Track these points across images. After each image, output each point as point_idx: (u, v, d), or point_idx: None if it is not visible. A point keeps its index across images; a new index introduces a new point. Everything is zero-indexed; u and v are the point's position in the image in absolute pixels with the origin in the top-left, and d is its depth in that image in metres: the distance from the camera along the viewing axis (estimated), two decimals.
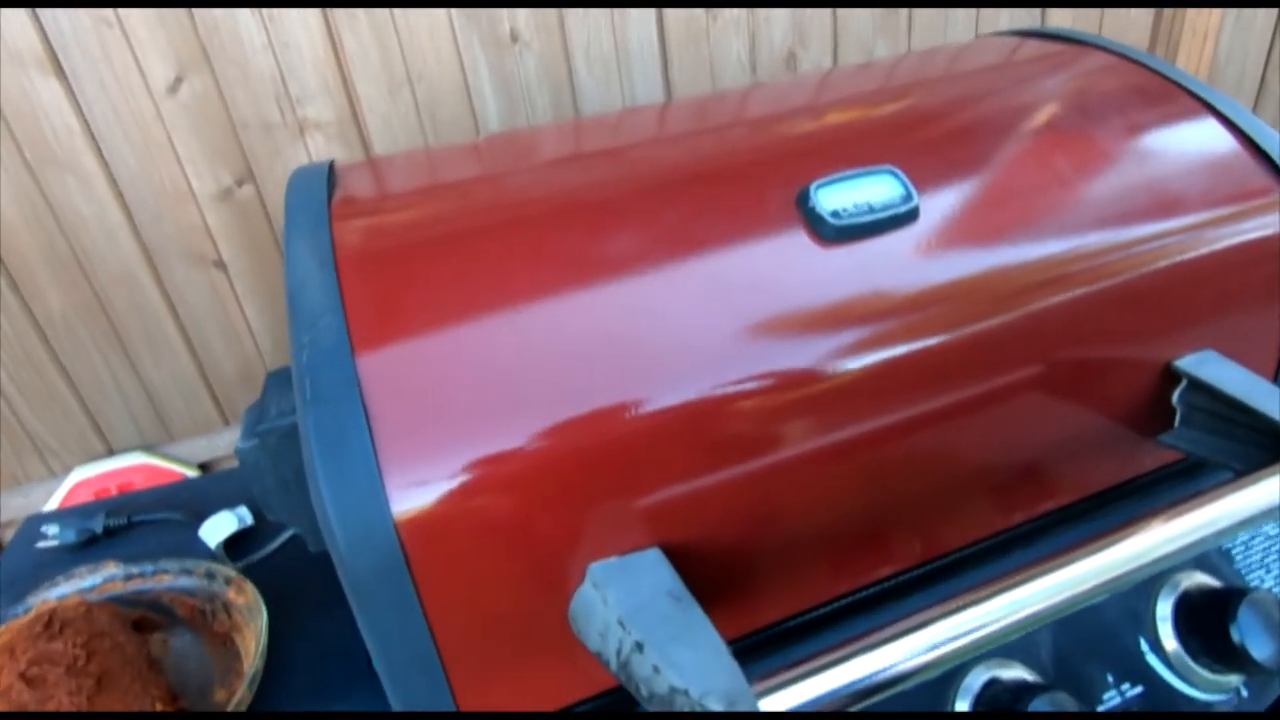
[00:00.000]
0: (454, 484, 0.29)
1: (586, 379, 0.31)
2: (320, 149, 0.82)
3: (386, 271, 0.34)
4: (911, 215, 0.37)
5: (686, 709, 0.26)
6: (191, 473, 0.88)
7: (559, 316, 0.33)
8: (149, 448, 0.89)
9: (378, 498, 0.28)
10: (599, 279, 0.34)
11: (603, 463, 0.31)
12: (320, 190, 0.39)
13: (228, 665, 0.40)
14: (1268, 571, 0.44)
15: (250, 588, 0.41)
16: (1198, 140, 0.44)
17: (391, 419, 0.29)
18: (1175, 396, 0.41)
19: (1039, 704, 0.35)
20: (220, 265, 0.84)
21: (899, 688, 0.28)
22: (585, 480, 0.31)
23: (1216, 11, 1.12)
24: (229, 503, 0.54)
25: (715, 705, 0.25)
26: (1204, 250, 0.40)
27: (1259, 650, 0.37)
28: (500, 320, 0.32)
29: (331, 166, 0.43)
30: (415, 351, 0.31)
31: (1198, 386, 0.40)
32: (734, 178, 0.39)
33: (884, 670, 0.28)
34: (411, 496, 0.29)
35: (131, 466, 0.86)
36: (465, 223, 0.37)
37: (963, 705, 0.38)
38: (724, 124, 0.47)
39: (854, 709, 0.28)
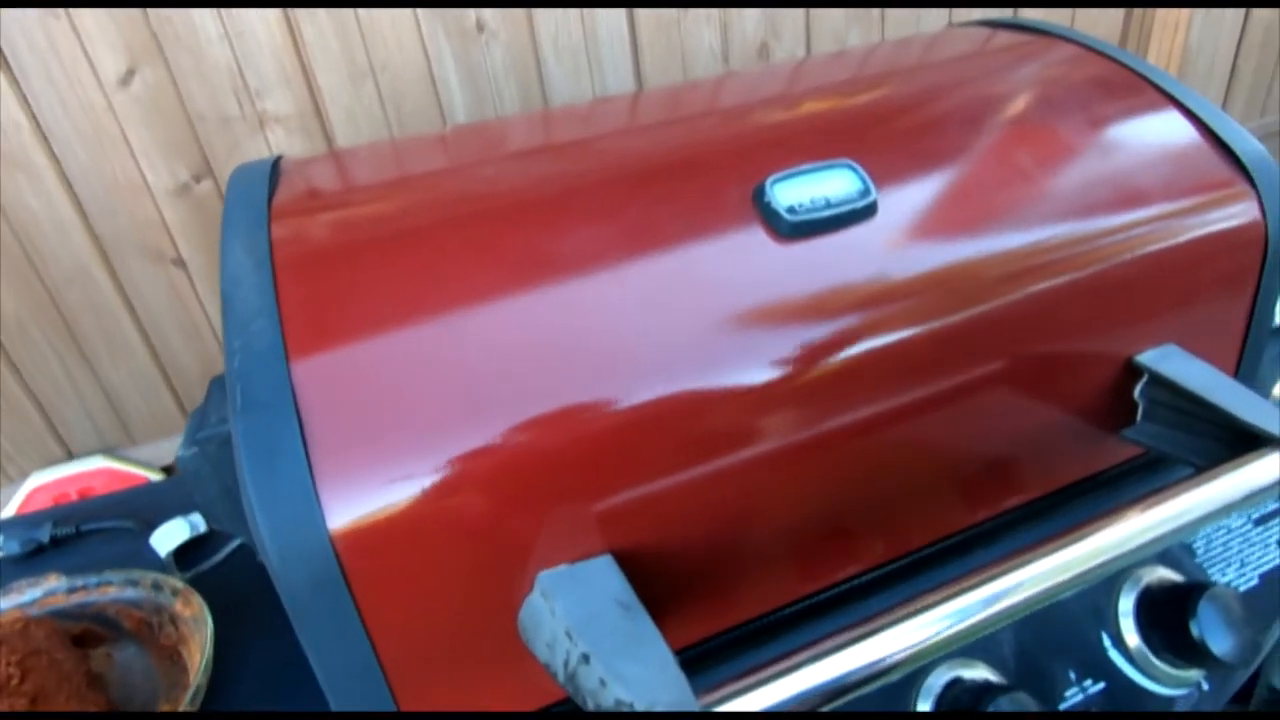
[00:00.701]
0: (393, 495, 0.28)
1: (533, 383, 0.30)
2: (281, 143, 0.80)
3: (326, 272, 0.32)
4: (869, 210, 0.36)
5: None
6: (154, 476, 0.86)
7: (505, 318, 0.32)
8: (110, 451, 0.87)
9: (311, 510, 0.27)
10: (548, 278, 0.33)
11: (550, 469, 0.30)
12: (261, 187, 0.37)
13: (174, 679, 0.38)
14: (1229, 565, 0.44)
15: (196, 599, 0.39)
16: (1162, 133, 0.43)
17: (327, 428, 0.28)
18: (1137, 391, 0.41)
19: (999, 705, 0.35)
20: (179, 263, 0.82)
21: (856, 693, 0.28)
22: (533, 487, 0.30)
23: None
24: (183, 509, 0.52)
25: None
26: (1167, 244, 0.40)
27: (1218, 645, 0.37)
28: (444, 323, 0.31)
29: (277, 162, 0.41)
30: (353, 356, 0.30)
31: (1159, 382, 0.40)
32: (692, 172, 0.38)
33: (841, 677, 0.28)
34: (348, 508, 0.27)
35: (91, 471, 0.84)
36: (412, 220, 0.36)
37: (924, 706, 0.37)
38: (684, 116, 0.46)
39: (812, 714, 0.27)
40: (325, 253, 0.34)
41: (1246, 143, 0.43)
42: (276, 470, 0.27)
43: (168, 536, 0.47)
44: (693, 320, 0.33)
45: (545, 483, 0.30)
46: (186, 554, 0.49)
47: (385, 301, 0.31)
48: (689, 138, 0.43)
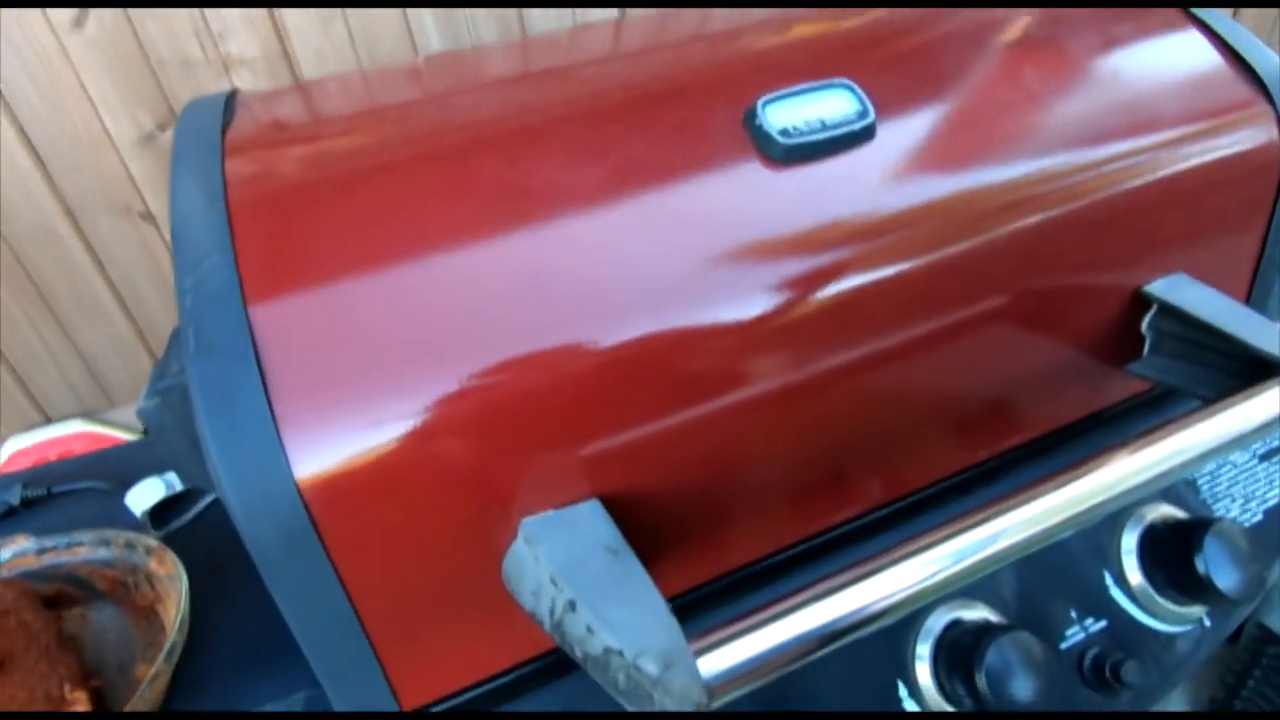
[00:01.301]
0: (365, 441, 0.26)
1: (512, 321, 0.29)
2: (248, 87, 0.76)
3: (286, 208, 0.30)
4: (867, 133, 0.34)
5: (621, 670, 0.24)
6: (135, 438, 0.84)
7: (480, 254, 0.29)
8: (89, 414, 0.85)
9: (275, 458, 0.25)
10: (526, 212, 0.31)
11: (532, 411, 0.28)
12: (214, 121, 0.35)
13: (151, 638, 0.37)
14: (1233, 501, 0.44)
15: (171, 556, 0.38)
16: (1177, 51, 0.41)
17: (289, 371, 0.26)
18: (1145, 323, 0.39)
19: (1000, 644, 0.34)
20: (148, 217, 0.79)
21: (854, 635, 0.27)
22: (514, 431, 0.28)
23: None
24: (159, 468, 0.51)
25: (650, 666, 0.23)
26: (1181, 167, 0.38)
27: (1224, 580, 0.37)
28: (416, 259, 0.29)
29: (232, 96, 0.39)
30: (317, 295, 0.28)
31: (1168, 311, 0.38)
32: (679, 98, 0.36)
33: (837, 620, 0.26)
34: (315, 456, 0.26)
35: (70, 435, 0.82)
36: (380, 154, 0.33)
37: (923, 649, 0.37)
38: (670, 42, 0.43)
39: (808, 659, 0.26)
40: (285, 188, 0.31)
41: (1267, 59, 0.41)
42: (235, 416, 0.25)
43: (142, 495, 0.45)
44: (680, 254, 0.31)
45: (527, 426, 0.28)
46: (165, 512, 0.47)
47: (351, 237, 0.29)
48: (675, 63, 0.40)
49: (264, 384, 0.26)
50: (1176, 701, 1.09)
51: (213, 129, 0.34)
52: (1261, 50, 0.41)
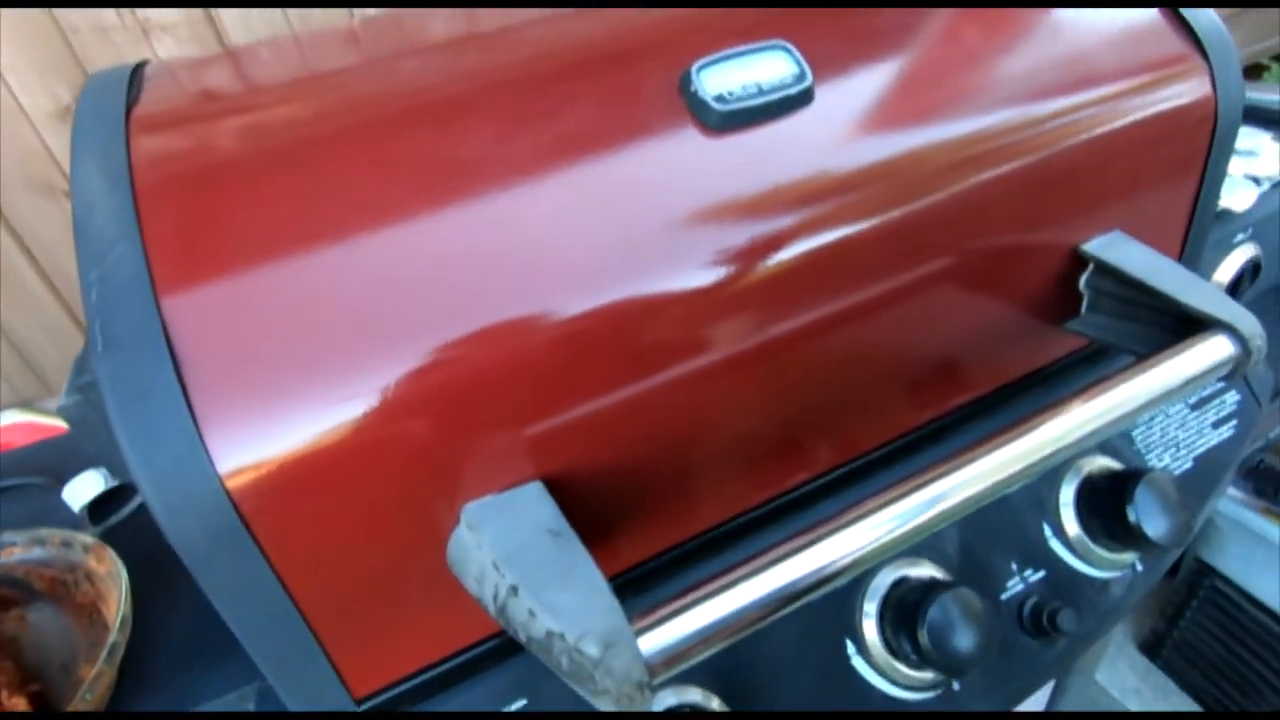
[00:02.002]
0: (293, 434, 0.26)
1: (446, 300, 0.28)
2: (171, 54, 0.72)
3: (198, 189, 0.28)
4: (805, 96, 0.33)
5: (564, 653, 0.24)
6: None
7: (410, 232, 0.28)
8: (27, 404, 0.82)
9: (197, 457, 0.24)
10: (454, 187, 0.29)
11: (468, 394, 0.28)
12: (118, 97, 0.33)
13: (95, 637, 0.36)
14: (1165, 449, 0.45)
15: (110, 554, 0.37)
16: (1118, 10, 0.41)
17: (207, 364, 0.25)
18: (1083, 281, 0.40)
19: (943, 601, 0.35)
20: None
21: (794, 605, 0.27)
22: (450, 415, 0.28)
23: None
24: (99, 460, 0.49)
25: (591, 648, 0.23)
26: (1117, 124, 0.38)
27: (1153, 529, 0.38)
28: (341, 239, 0.28)
29: (139, 68, 0.36)
30: (234, 282, 0.26)
31: (1104, 270, 0.38)
32: (612, 64, 0.35)
33: (782, 588, 0.27)
34: (240, 451, 0.25)
35: (10, 425, 0.79)
36: (303, 128, 0.32)
37: (870, 606, 0.38)
38: (602, 5, 0.42)
39: (751, 629, 0.27)
40: (198, 167, 0.30)
41: (1203, 14, 0.41)
42: (151, 415, 0.24)
43: (80, 490, 0.44)
44: (617, 226, 0.30)
45: (463, 409, 0.28)
46: (105, 506, 0.46)
47: (271, 218, 0.28)
48: (608, 28, 0.38)
49: (180, 379, 0.25)
50: (1119, 632, 1.15)
51: (116, 106, 0.32)
52: (1201, 10, 0.41)
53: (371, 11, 0.78)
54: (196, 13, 0.72)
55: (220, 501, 0.25)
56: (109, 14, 0.69)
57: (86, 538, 0.39)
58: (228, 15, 0.73)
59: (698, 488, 0.35)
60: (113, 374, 0.24)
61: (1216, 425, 0.47)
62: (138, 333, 0.25)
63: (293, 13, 0.76)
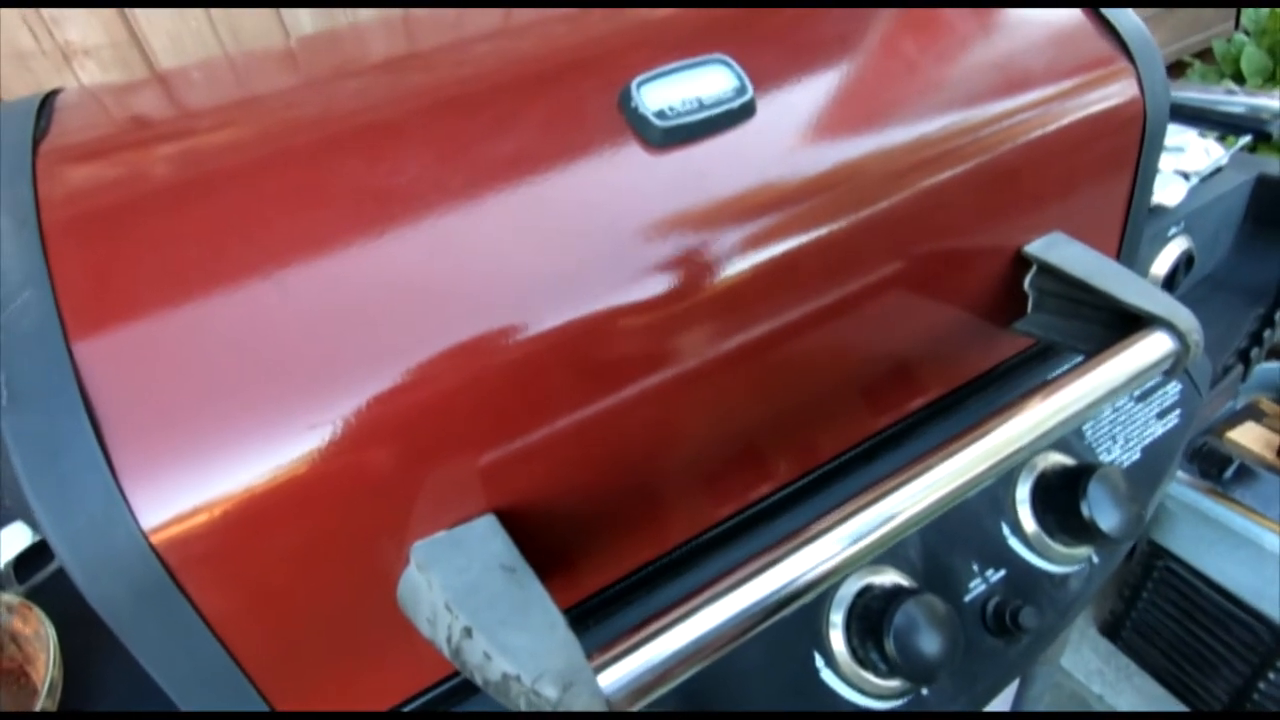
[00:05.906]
0: (224, 481, 0.24)
1: (381, 334, 0.27)
2: (95, 80, 0.69)
3: (111, 227, 0.27)
4: (747, 110, 0.33)
5: (521, 695, 0.23)
6: None
7: (340, 264, 0.27)
8: None
9: (119, 513, 0.23)
10: (388, 214, 0.28)
11: (411, 428, 0.26)
12: (24, 131, 0.31)
13: (24, 703, 0.34)
14: (1114, 442, 0.46)
15: (36, 614, 0.35)
16: (1043, 14, 0.42)
17: (126, 413, 0.24)
18: (1027, 282, 0.41)
19: (908, 609, 0.35)
20: None
21: (755, 630, 0.27)
22: (392, 452, 0.26)
23: None
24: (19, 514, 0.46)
25: (549, 690, 0.22)
26: (1052, 127, 0.39)
27: (1106, 522, 0.39)
28: (267, 275, 0.27)
29: (48, 98, 0.34)
30: (153, 324, 0.25)
31: (1046, 270, 0.39)
32: (551, 82, 0.34)
33: (736, 617, 0.26)
34: (166, 504, 0.23)
35: None
36: (224, 159, 0.30)
37: (837, 617, 0.37)
38: (539, 20, 0.41)
39: (714, 657, 0.26)
40: (111, 204, 0.28)
41: (1126, 17, 0.42)
42: (65, 473, 0.23)
43: (3, 546, 0.41)
44: (561, 249, 0.29)
45: (406, 444, 0.27)
46: (32, 562, 0.43)
47: (190, 255, 0.26)
48: (547, 44, 0.38)
49: (97, 431, 0.23)
50: (1080, 617, 1.17)
51: (22, 140, 0.30)
52: (1123, 12, 0.42)
53: (306, 30, 0.76)
54: (121, 35, 0.69)
55: (145, 558, 0.23)
56: (25, 39, 0.66)
57: (11, 598, 0.36)
58: (155, 38, 0.70)
59: (654, 509, 0.35)
60: (19, 430, 0.23)
61: (1161, 415, 0.48)
62: (48, 383, 0.23)
63: (226, 34, 0.73)
